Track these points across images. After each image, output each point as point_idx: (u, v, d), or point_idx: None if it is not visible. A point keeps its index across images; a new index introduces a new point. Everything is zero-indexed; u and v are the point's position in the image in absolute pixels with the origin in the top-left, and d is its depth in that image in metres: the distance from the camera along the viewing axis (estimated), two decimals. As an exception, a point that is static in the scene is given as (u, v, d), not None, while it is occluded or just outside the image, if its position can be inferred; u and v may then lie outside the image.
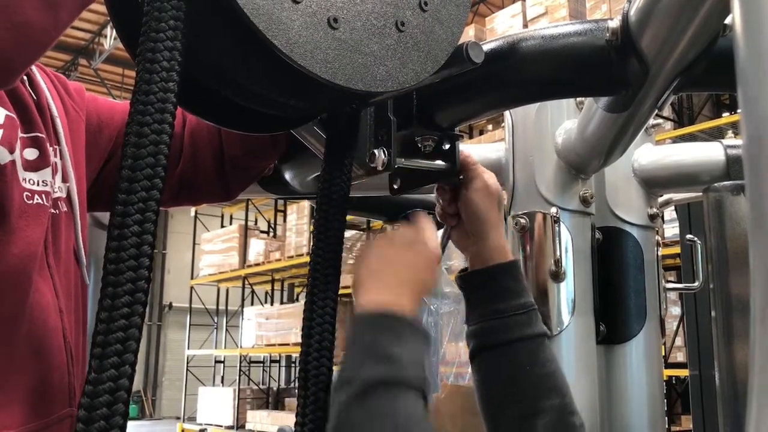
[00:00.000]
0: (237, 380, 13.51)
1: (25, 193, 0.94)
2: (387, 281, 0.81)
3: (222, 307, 14.87)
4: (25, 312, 0.92)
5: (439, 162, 0.98)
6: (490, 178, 1.00)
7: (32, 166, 0.97)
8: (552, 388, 0.91)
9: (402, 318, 0.77)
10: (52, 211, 0.98)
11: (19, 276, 0.91)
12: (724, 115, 8.97)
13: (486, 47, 0.88)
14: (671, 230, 6.16)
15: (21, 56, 0.75)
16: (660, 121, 7.80)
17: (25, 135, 0.97)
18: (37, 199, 0.96)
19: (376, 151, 0.90)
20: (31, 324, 0.92)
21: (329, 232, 0.85)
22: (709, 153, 1.25)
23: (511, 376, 0.92)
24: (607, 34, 0.83)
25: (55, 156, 1.02)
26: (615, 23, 0.83)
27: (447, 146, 0.98)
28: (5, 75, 0.76)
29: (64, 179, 1.03)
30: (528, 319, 0.94)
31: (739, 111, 0.33)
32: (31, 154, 0.97)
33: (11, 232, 0.91)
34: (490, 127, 9.89)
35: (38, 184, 0.97)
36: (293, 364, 14.87)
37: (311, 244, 0.85)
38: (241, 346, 13.35)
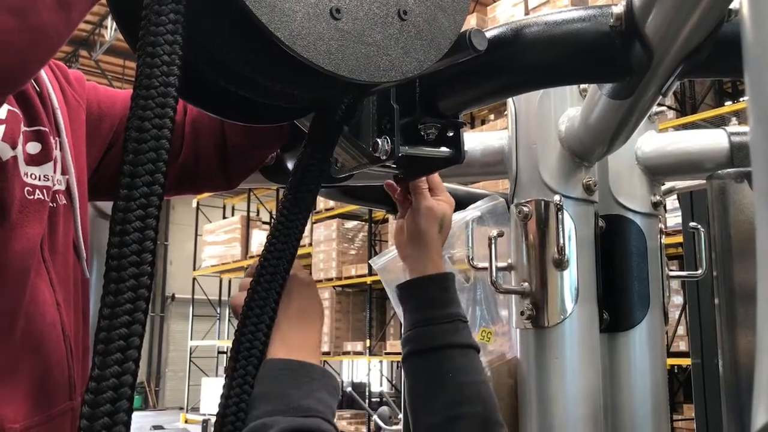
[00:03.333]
0: (240, 370, 13.55)
1: (27, 188, 0.94)
2: (306, 340, 0.85)
3: (225, 297, 14.91)
4: (23, 307, 0.91)
5: (444, 149, 0.98)
6: (437, 201, 1.09)
7: (35, 161, 0.96)
8: (475, 397, 0.96)
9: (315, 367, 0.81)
10: (51, 204, 0.98)
11: (19, 272, 0.91)
12: (726, 103, 8.94)
13: (489, 34, 0.87)
14: (673, 220, 6.15)
15: (36, 57, 0.74)
16: (663, 108, 7.78)
17: (28, 129, 0.97)
18: (38, 194, 0.95)
19: (379, 140, 0.90)
20: (29, 319, 0.92)
21: (294, 214, 0.84)
22: (713, 140, 1.25)
23: (435, 382, 0.98)
24: (611, 20, 0.83)
25: (56, 148, 1.01)
26: (619, 9, 0.82)
27: (451, 133, 0.98)
28: (20, 76, 0.76)
29: (64, 171, 1.02)
30: (454, 328, 1.00)
31: (745, 98, 0.33)
32: (33, 148, 0.97)
33: (12, 228, 0.90)
34: (492, 116, 9.87)
35: (40, 179, 0.96)
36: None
37: (275, 219, 0.85)
38: (244, 337, 13.38)
